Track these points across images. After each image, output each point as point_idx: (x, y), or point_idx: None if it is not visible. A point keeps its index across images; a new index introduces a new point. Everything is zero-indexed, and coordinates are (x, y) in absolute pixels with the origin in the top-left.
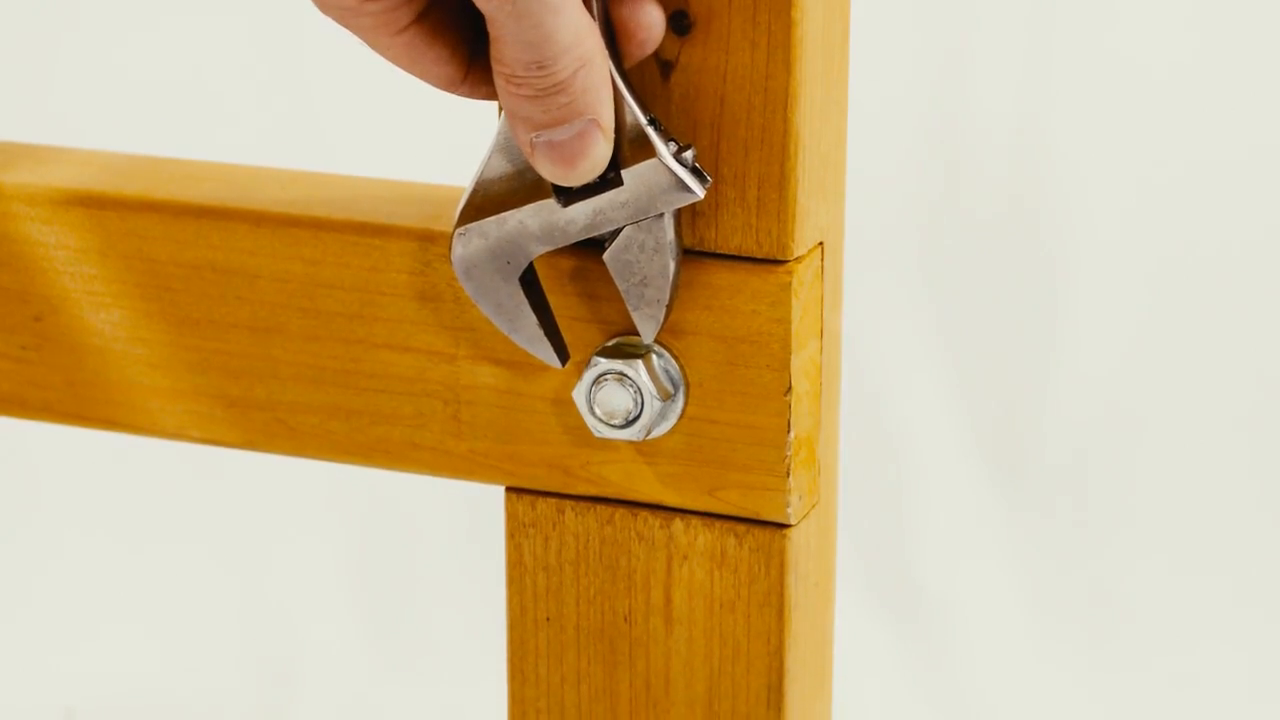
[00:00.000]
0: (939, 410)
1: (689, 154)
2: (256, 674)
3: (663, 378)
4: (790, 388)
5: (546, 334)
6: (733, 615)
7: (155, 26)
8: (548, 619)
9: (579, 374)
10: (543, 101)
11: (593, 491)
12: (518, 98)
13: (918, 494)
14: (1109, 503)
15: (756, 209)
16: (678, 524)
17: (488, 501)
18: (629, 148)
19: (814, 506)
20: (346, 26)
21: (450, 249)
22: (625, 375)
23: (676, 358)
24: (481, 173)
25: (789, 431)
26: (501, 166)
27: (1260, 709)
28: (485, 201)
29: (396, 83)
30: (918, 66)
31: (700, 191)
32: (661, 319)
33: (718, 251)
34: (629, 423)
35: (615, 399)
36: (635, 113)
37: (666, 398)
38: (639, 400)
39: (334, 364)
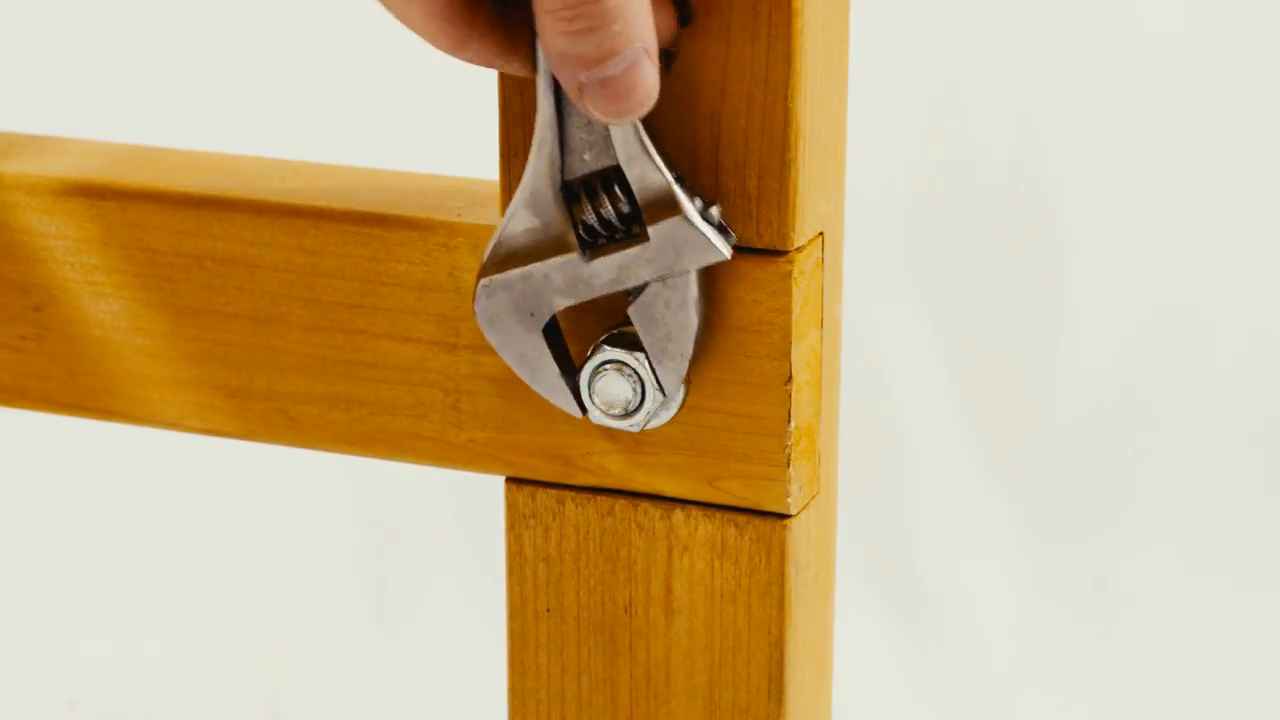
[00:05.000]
0: (939, 400)
1: (715, 210)
2: (257, 663)
3: None
4: (791, 377)
5: (568, 383)
6: (733, 606)
7: (156, 16)
8: (548, 610)
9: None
10: (596, 34)
11: (593, 482)
12: (568, 35)
13: (918, 484)
14: (1110, 490)
15: (757, 199)
16: (678, 514)
17: (488, 492)
18: (655, 205)
19: (814, 497)
20: None
21: (474, 300)
22: (626, 365)
23: None
24: (505, 227)
25: (789, 421)
26: (526, 221)
27: (1261, 698)
28: (509, 255)
29: (397, 73)
30: (918, 57)
31: (727, 251)
32: (684, 372)
33: None
34: (629, 413)
35: (615, 389)
36: (662, 170)
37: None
38: (639, 390)
39: (334, 354)
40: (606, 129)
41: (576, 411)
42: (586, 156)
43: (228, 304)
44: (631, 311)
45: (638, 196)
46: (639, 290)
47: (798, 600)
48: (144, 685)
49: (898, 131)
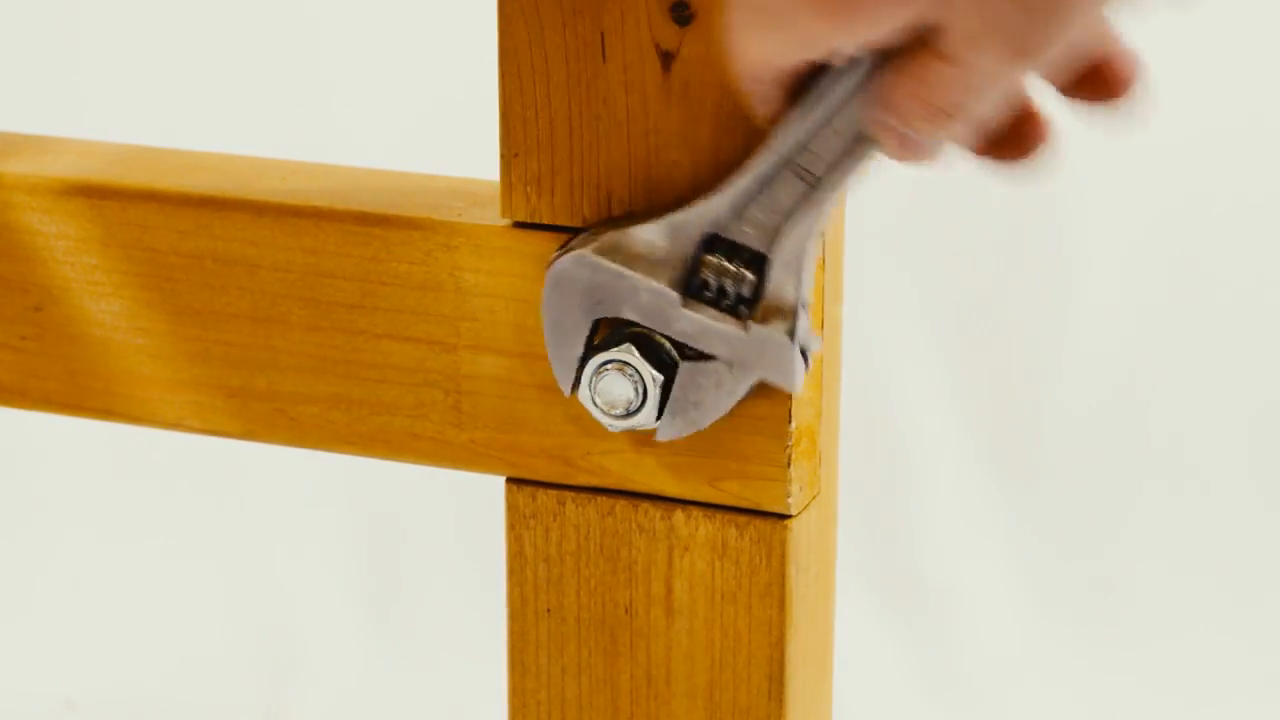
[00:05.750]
0: (940, 401)
1: (815, 344)
2: (257, 663)
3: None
4: None
5: (579, 366)
6: (734, 606)
7: (156, 17)
8: (548, 610)
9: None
10: (943, 121)
11: (593, 482)
12: (919, 104)
13: (919, 485)
14: (1109, 491)
15: None
16: (679, 515)
17: (488, 492)
18: (773, 310)
19: (815, 497)
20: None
21: (556, 255)
22: (628, 365)
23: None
24: (634, 227)
25: (790, 422)
26: (657, 236)
27: (1260, 701)
28: (617, 247)
29: (398, 74)
30: None
31: (797, 388)
32: (686, 434)
33: None
34: (630, 413)
35: (616, 388)
36: (801, 291)
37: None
38: (640, 390)
39: (334, 354)
40: (781, 227)
41: (565, 390)
42: (749, 230)
43: (228, 304)
44: (684, 367)
45: (765, 295)
46: (702, 355)
47: (798, 601)
48: (144, 685)
49: None
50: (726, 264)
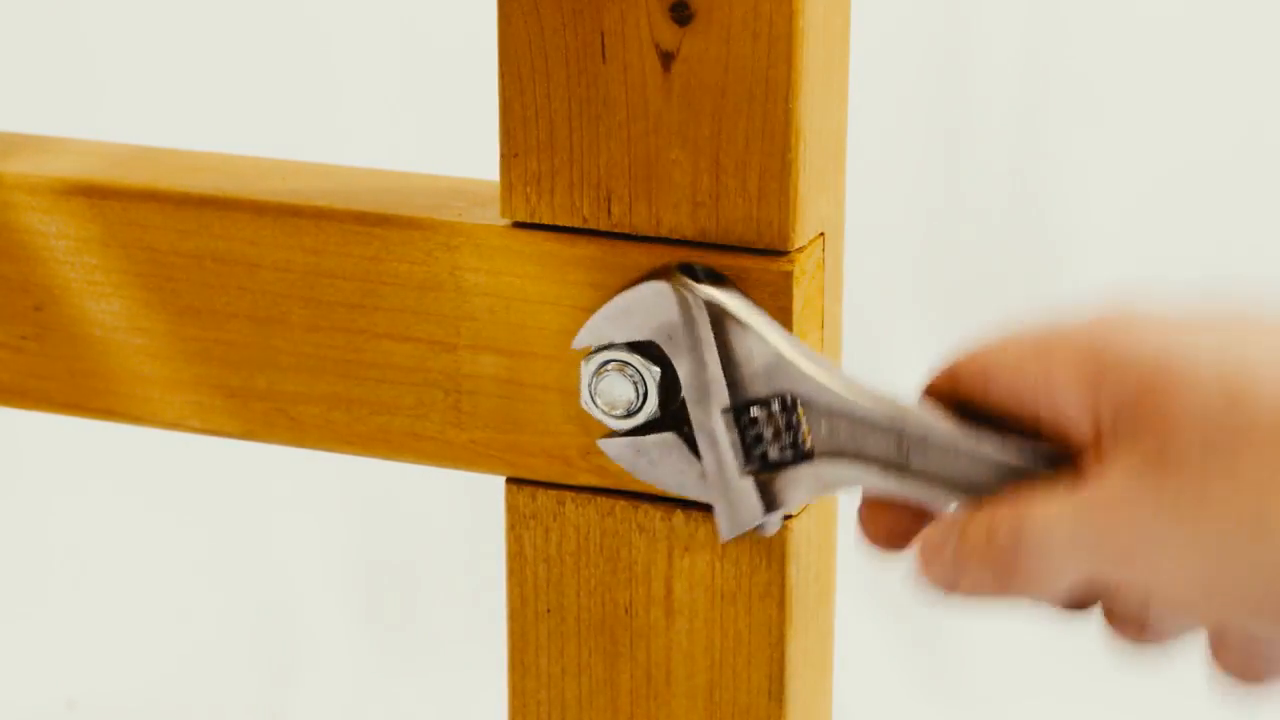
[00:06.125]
0: None
1: (773, 529)
2: (257, 663)
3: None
4: None
5: (605, 345)
6: (734, 607)
7: (157, 17)
8: (548, 611)
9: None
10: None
11: (594, 482)
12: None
13: None
14: None
15: (758, 199)
16: (679, 515)
17: (489, 492)
18: (772, 485)
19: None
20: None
21: (686, 275)
22: (628, 364)
23: None
24: (761, 328)
25: None
26: (760, 356)
27: (1260, 699)
28: (733, 327)
29: (398, 74)
30: (918, 56)
31: (724, 539)
32: (623, 467)
33: (719, 242)
34: (631, 413)
35: (617, 389)
36: (808, 500)
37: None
38: (641, 390)
39: (335, 354)
40: (847, 456)
41: (576, 343)
42: (824, 428)
43: (228, 304)
44: (671, 434)
45: (779, 471)
46: (691, 441)
47: (799, 601)
48: (144, 685)
49: (900, 130)
50: (782, 427)
